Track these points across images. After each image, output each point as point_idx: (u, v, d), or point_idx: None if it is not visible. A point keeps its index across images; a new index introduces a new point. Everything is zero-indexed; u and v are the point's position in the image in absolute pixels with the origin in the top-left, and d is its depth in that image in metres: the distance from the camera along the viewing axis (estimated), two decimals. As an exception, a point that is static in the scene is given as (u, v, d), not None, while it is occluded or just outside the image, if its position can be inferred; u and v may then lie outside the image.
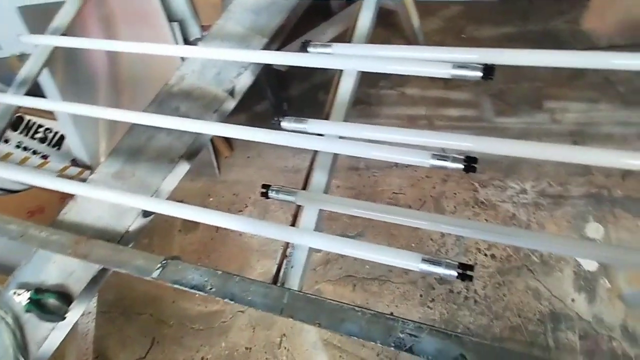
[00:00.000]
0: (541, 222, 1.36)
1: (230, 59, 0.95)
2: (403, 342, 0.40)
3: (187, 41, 1.53)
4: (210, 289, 0.47)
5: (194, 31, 1.52)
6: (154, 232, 1.79)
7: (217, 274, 0.48)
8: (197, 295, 1.66)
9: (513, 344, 1.22)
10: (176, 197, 1.83)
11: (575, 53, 0.67)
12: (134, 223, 0.92)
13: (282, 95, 1.79)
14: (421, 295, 1.36)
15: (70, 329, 0.91)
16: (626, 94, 1.51)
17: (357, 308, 0.42)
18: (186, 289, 0.48)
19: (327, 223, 1.57)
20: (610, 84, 1.54)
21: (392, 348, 0.39)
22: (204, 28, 1.51)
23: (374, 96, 1.76)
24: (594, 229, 1.30)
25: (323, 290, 1.46)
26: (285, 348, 1.40)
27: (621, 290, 1.22)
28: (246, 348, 1.45)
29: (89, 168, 1.92)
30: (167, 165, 0.96)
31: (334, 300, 0.43)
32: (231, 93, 1.02)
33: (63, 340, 0.88)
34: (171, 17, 1.48)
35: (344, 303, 0.43)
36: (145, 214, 0.94)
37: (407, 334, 0.40)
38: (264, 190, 0.72)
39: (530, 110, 1.57)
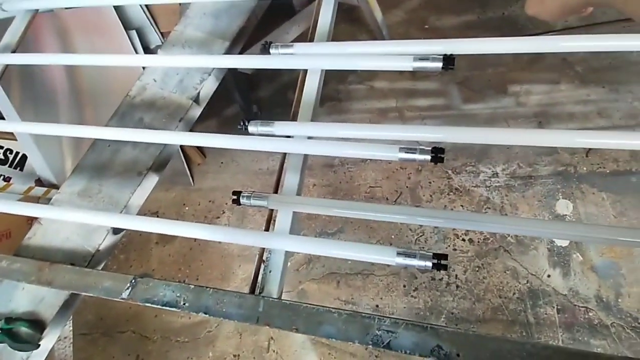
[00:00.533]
0: (514, 203, 1.40)
1: (191, 66, 0.92)
2: (380, 339, 0.40)
3: (147, 49, 1.48)
4: (184, 304, 0.46)
5: (154, 38, 1.47)
6: (131, 247, 1.74)
7: (190, 288, 0.46)
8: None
9: (495, 324, 1.26)
10: (151, 208, 1.78)
11: (528, 39, 0.68)
12: (104, 242, 0.89)
13: (251, 97, 1.76)
14: (404, 286, 1.37)
15: (47, 356, 0.88)
16: (584, 74, 1.57)
17: (333, 310, 0.42)
18: (158, 306, 0.47)
19: (306, 222, 1.57)
20: (568, 64, 1.60)
21: (371, 346, 0.39)
22: (163, 35, 1.47)
23: (344, 92, 1.76)
24: (563, 206, 1.35)
25: (307, 289, 1.46)
26: (273, 351, 1.39)
27: (593, 262, 1.27)
28: (234, 355, 1.43)
29: (56, 187, 1.84)
30: (134, 179, 0.93)
31: (309, 304, 0.43)
32: (196, 100, 0.99)
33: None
34: (128, 26, 1.43)
35: (320, 306, 0.43)
36: (116, 231, 0.91)
37: (383, 330, 0.40)
38: (235, 197, 0.71)
39: (495, 95, 1.61)
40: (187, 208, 1.73)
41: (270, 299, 0.44)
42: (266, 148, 0.72)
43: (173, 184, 1.79)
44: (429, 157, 0.64)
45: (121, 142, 0.96)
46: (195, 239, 1.64)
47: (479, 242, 1.37)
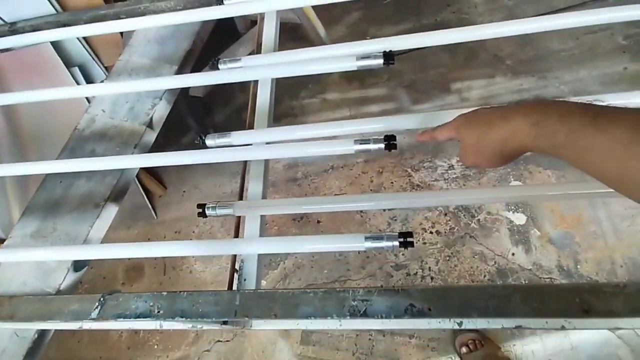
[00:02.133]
0: (471, 191, 1.47)
1: (140, 90, 0.92)
2: (357, 308, 0.41)
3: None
4: (158, 312, 0.45)
5: (98, 73, 1.45)
6: (95, 290, 1.64)
7: (162, 296, 0.46)
8: (155, 345, 1.53)
9: (473, 308, 1.30)
10: (114, 249, 1.70)
11: (454, 31, 0.75)
12: (65, 280, 0.84)
13: (206, 122, 1.76)
14: (382, 286, 1.39)
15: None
16: (514, 66, 1.71)
17: (308, 290, 0.43)
18: (132, 320, 0.45)
19: (273, 233, 1.56)
20: (499, 59, 1.74)
21: (349, 317, 0.40)
22: (107, 69, 1.45)
23: (297, 107, 1.81)
24: (515, 187, 1.44)
25: (287, 305, 1.43)
26: (261, 375, 1.35)
27: (550, 234, 1.35)
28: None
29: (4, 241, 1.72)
30: (92, 212, 0.89)
31: (284, 290, 0.44)
32: (149, 125, 0.98)
33: None
34: (69, 63, 1.40)
35: (295, 289, 0.43)
36: (77, 267, 0.86)
37: (359, 300, 0.41)
38: (200, 210, 0.71)
39: (440, 94, 1.72)
40: (152, 242, 1.67)
41: (246, 290, 0.44)
42: (226, 158, 0.72)
43: (135, 220, 1.73)
44: (382, 146, 0.68)
45: (74, 176, 0.92)
46: (164, 273, 1.58)
47: (445, 232, 1.42)
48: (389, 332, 1.32)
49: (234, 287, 0.70)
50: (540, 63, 1.69)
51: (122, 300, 0.46)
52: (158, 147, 0.96)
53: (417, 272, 1.38)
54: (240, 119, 1.78)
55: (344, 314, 0.41)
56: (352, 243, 0.61)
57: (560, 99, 0.39)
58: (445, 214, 1.46)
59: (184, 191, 1.75)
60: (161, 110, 1.02)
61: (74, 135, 1.00)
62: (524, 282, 1.30)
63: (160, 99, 1.01)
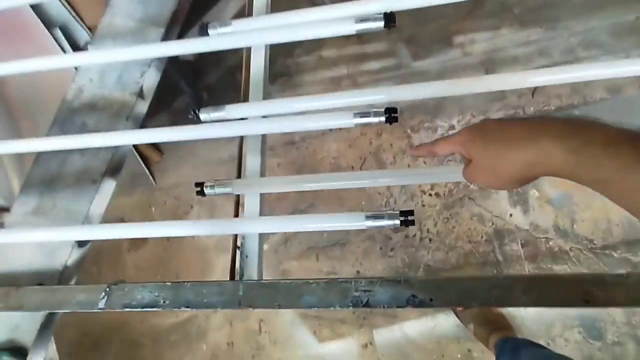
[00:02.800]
0: (472, 152, 1.46)
1: (127, 59, 0.87)
2: (359, 299, 0.41)
3: (76, 47, 1.38)
4: (164, 302, 0.46)
5: (81, 35, 1.37)
6: (102, 258, 1.68)
7: (167, 286, 0.46)
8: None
9: (468, 268, 1.34)
10: (115, 215, 1.72)
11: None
12: (70, 257, 0.85)
13: (198, 85, 1.70)
14: (381, 248, 1.42)
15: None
16: (522, 15, 1.61)
17: (311, 280, 0.43)
18: (139, 309, 0.46)
19: (276, 203, 1.57)
20: (506, 8, 1.64)
21: (351, 307, 0.41)
22: (91, 29, 1.37)
23: (293, 66, 1.73)
24: (516, 147, 1.42)
25: (289, 268, 1.48)
26: (265, 332, 1.42)
27: (548, 195, 1.36)
28: (228, 344, 1.45)
29: (7, 209, 1.73)
30: (89, 188, 0.88)
31: (287, 279, 0.44)
32: (140, 95, 0.94)
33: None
34: (50, 24, 1.32)
35: (298, 279, 0.44)
36: (81, 243, 0.87)
37: (361, 291, 0.41)
38: (198, 189, 0.70)
39: (442, 49, 1.64)
40: (153, 209, 1.68)
41: (249, 281, 0.44)
42: (221, 134, 0.70)
43: (134, 186, 1.73)
44: (383, 119, 0.65)
45: (67, 151, 0.90)
46: (168, 239, 1.61)
47: (444, 194, 1.43)
48: (388, 291, 1.37)
49: (237, 264, 0.72)
50: (549, 11, 1.60)
51: (128, 291, 0.46)
52: (150, 112, 0.93)
53: (415, 234, 1.41)
54: (234, 80, 1.72)
55: (346, 303, 0.42)
56: (353, 222, 0.61)
57: (594, 120, 0.34)
58: (445, 176, 1.46)
59: (180, 156, 1.73)
60: (151, 79, 0.97)
61: (63, 106, 0.97)
62: (520, 242, 1.32)
63: (149, 67, 0.96)
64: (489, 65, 1.56)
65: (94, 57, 0.86)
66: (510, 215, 1.36)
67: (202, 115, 0.73)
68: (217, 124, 0.71)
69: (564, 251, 1.29)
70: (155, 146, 1.72)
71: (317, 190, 1.52)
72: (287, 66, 1.74)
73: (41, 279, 0.83)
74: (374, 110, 0.66)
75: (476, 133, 0.43)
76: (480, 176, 0.44)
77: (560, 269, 1.27)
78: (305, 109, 0.70)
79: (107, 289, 0.46)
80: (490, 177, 0.42)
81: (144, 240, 1.65)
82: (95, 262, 1.70)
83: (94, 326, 1.63)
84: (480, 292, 0.39)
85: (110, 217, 1.70)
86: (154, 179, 1.71)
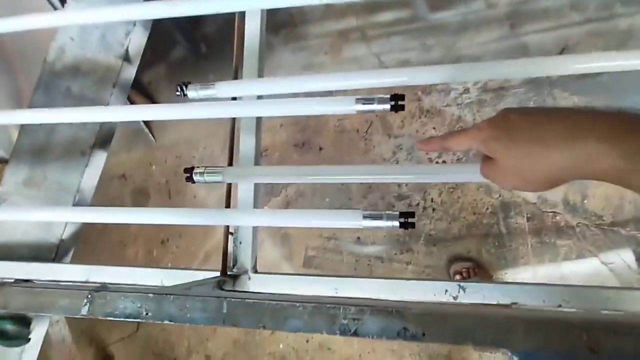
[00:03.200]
0: (486, 118, 1.37)
1: (106, 20, 0.78)
2: (347, 327, 0.39)
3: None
4: (146, 314, 0.44)
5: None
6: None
7: (150, 297, 0.44)
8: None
9: (470, 239, 1.32)
10: (116, 171, 1.70)
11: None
12: (65, 231, 0.85)
13: (195, 35, 1.58)
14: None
15: (45, 343, 0.89)
16: (556, -38, 1.43)
17: (297, 304, 0.41)
18: (121, 319, 0.45)
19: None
20: (539, -47, 1.45)
21: (338, 334, 0.39)
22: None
23: (297, 14, 1.59)
24: (533, 116, 1.33)
25: (290, 232, 1.48)
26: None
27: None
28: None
29: (6, 161, 1.72)
30: (80, 160, 0.85)
31: (272, 300, 0.41)
32: (126, 58, 0.87)
33: (39, 356, 0.87)
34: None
35: (284, 301, 0.41)
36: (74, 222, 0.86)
37: (350, 319, 0.39)
38: (187, 175, 0.66)
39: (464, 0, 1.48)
40: (154, 167, 1.66)
41: (233, 299, 0.42)
42: (211, 115, 0.65)
43: (134, 143, 1.69)
44: (388, 106, 0.59)
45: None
46: (169, 197, 1.61)
47: (452, 163, 1.37)
48: (387, 259, 1.38)
49: (229, 250, 0.70)
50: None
51: (110, 300, 0.45)
52: (145, 62, 0.87)
53: (419, 203, 1.38)
54: (233, 31, 1.59)
55: (333, 330, 0.40)
56: (349, 221, 0.57)
57: None
58: (454, 143, 1.39)
59: (180, 113, 1.67)
60: (137, 39, 0.89)
61: (46, 69, 0.90)
62: (526, 215, 1.29)
63: (134, 25, 0.88)
64: (515, 19, 1.41)
65: (68, 18, 0.76)
66: (519, 187, 1.31)
67: (190, 93, 0.67)
68: (206, 104, 0.65)
69: (569, 226, 1.26)
70: (153, 102, 1.65)
71: (320, 153, 1.47)
72: (292, 15, 1.60)
73: (38, 252, 0.84)
74: (379, 96, 0.59)
75: (500, 129, 0.38)
76: (504, 178, 0.39)
77: (564, 244, 1.25)
78: (305, 89, 0.64)
79: (89, 296, 0.44)
80: (517, 180, 0.38)
81: (145, 197, 1.65)
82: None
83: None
84: (476, 331, 0.36)
85: (111, 174, 1.69)
86: (154, 136, 1.66)
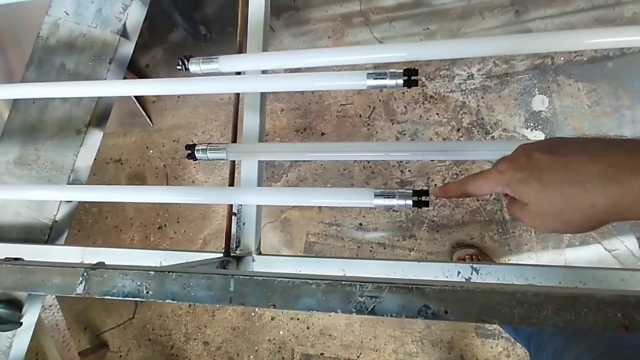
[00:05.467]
0: (490, 105, 1.35)
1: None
2: (364, 305, 0.37)
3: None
4: (147, 292, 0.41)
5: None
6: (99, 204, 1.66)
7: (150, 275, 0.42)
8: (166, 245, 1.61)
9: (474, 225, 1.31)
10: (113, 156, 1.67)
11: None
12: (59, 211, 0.81)
13: (196, 17, 1.53)
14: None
15: (37, 327, 0.86)
16: (564, -54, 1.39)
17: (310, 281, 0.38)
18: (119, 298, 0.42)
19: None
20: (547, -64, 1.41)
21: (354, 313, 0.37)
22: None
23: (300, -2, 1.55)
24: (539, 102, 1.31)
25: (290, 217, 1.45)
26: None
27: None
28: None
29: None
30: (74, 139, 0.82)
31: (284, 278, 0.39)
32: (123, 34, 0.83)
33: (31, 340, 0.84)
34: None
35: (295, 278, 0.39)
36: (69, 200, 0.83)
37: (367, 296, 0.37)
38: (189, 152, 0.63)
39: (469, -17, 1.44)
40: (151, 151, 1.62)
41: (241, 276, 0.40)
42: (214, 90, 0.61)
43: (130, 126, 1.65)
44: (401, 81, 0.56)
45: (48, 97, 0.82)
46: (167, 182, 1.57)
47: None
48: (389, 245, 1.36)
49: (233, 231, 0.67)
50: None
51: (107, 277, 0.42)
52: (143, 45, 0.83)
53: (422, 190, 1.35)
54: (234, 13, 1.54)
55: (349, 309, 0.37)
56: (360, 199, 0.55)
57: None
58: (458, 130, 1.37)
59: (178, 97, 1.63)
60: (135, 14, 0.85)
61: (38, 44, 0.86)
62: (530, 203, 1.27)
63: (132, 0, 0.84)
64: (520, 5, 1.39)
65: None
66: (523, 175, 1.29)
67: (192, 67, 0.63)
68: (210, 79, 0.62)
69: (574, 214, 1.25)
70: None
71: (321, 138, 1.44)
72: (293, -2, 1.56)
73: (30, 234, 0.81)
74: (391, 71, 0.56)
75: (526, 170, 0.34)
76: (542, 223, 0.35)
77: (567, 232, 1.24)
78: (312, 64, 0.60)
79: (85, 274, 0.42)
80: (556, 224, 0.34)
81: (143, 180, 1.61)
82: (96, 202, 1.68)
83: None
84: (503, 309, 0.34)
85: (107, 157, 1.65)
86: (151, 120, 1.62)
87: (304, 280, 0.39)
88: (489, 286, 0.37)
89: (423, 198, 0.53)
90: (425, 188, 0.51)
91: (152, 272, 0.42)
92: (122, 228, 1.61)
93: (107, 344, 1.57)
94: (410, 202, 0.53)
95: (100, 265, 0.45)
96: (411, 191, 0.53)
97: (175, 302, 0.41)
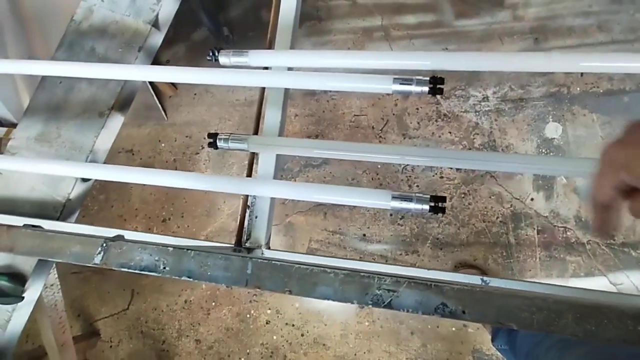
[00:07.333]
0: (503, 128, 1.36)
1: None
2: (381, 298, 0.37)
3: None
4: (164, 268, 0.42)
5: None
6: (109, 186, 1.67)
7: (169, 251, 0.42)
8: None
9: (478, 247, 1.30)
10: (125, 146, 1.68)
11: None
12: (73, 190, 0.82)
13: (220, 18, 1.57)
14: (391, 215, 1.38)
15: (36, 305, 0.86)
16: (587, -19, 1.43)
17: (328, 270, 0.39)
18: (136, 271, 0.42)
19: (288, 155, 1.51)
20: (571, -30, 1.45)
21: (371, 305, 0.37)
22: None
23: (324, 9, 1.58)
24: (552, 129, 1.32)
25: (294, 222, 1.46)
26: (266, 282, 1.43)
27: (576, 184, 1.28)
28: (227, 286, 1.48)
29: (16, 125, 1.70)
30: (96, 121, 0.83)
31: (302, 264, 0.39)
32: (155, 24, 0.85)
33: (30, 317, 0.84)
34: None
35: (314, 266, 0.39)
36: (85, 179, 0.84)
37: (384, 289, 0.37)
38: (211, 141, 0.64)
39: (491, 9, 1.47)
40: (163, 145, 1.63)
41: (259, 259, 0.40)
42: (241, 82, 0.63)
43: (145, 118, 1.67)
44: (426, 89, 0.57)
45: (74, 78, 0.84)
46: (175, 177, 1.58)
47: (465, 169, 1.35)
48: (391, 258, 1.36)
49: (245, 224, 0.68)
50: (618, -21, 1.41)
51: (126, 250, 0.42)
52: (166, 40, 0.85)
53: (429, 206, 1.36)
54: (258, 18, 1.58)
55: (365, 301, 0.38)
56: (377, 200, 0.55)
57: None
58: (469, 149, 1.38)
59: (195, 94, 1.65)
60: (168, 7, 0.87)
61: (71, 28, 0.88)
62: (536, 228, 1.27)
63: (167, -8, 0.86)
64: (540, 34, 1.41)
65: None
66: (532, 199, 1.30)
67: (222, 59, 0.65)
68: (238, 71, 0.63)
69: (580, 243, 1.24)
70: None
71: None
72: (318, 9, 1.59)
73: (42, 210, 0.81)
74: (417, 78, 0.57)
75: None
76: None
77: (573, 260, 1.23)
78: (338, 65, 0.62)
79: (104, 245, 0.42)
80: None
81: (151, 176, 1.62)
82: (103, 189, 1.69)
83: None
84: (522, 313, 0.34)
85: (119, 147, 1.66)
86: (166, 114, 1.64)
87: (322, 269, 0.39)
88: (509, 290, 0.37)
89: (440, 204, 0.53)
90: (443, 195, 0.52)
91: (171, 249, 0.43)
92: (127, 218, 1.62)
93: (99, 333, 1.56)
94: (427, 207, 0.53)
95: (119, 238, 0.45)
96: (429, 196, 0.54)
97: (191, 279, 0.41)
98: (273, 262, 0.40)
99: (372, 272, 0.38)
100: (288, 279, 0.40)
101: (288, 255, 0.65)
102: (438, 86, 0.57)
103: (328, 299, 0.38)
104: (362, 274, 0.38)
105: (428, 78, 0.57)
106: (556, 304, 0.34)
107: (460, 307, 0.35)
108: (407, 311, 0.37)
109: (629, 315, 0.33)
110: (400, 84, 0.58)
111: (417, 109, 1.45)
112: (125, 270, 0.43)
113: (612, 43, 1.35)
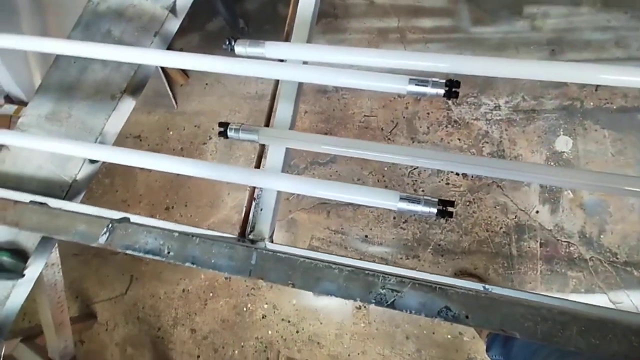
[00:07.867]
0: (513, 138, 1.35)
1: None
2: (384, 297, 0.37)
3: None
4: (168, 253, 0.42)
5: None
6: (115, 171, 1.68)
7: (174, 236, 0.42)
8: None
9: (479, 255, 1.30)
10: (133, 131, 1.69)
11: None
12: (81, 171, 0.82)
13: (236, 10, 1.57)
14: (394, 218, 1.38)
15: (36, 283, 0.87)
16: (608, -5, 1.41)
17: (333, 265, 0.38)
18: (140, 254, 0.42)
19: (295, 151, 1.51)
20: (592, -16, 1.43)
21: (373, 304, 0.37)
22: None
23: (340, 7, 1.58)
24: (562, 143, 1.31)
25: (297, 218, 1.45)
26: (264, 276, 1.43)
27: (583, 199, 1.27)
28: (226, 278, 1.48)
29: (26, 104, 1.71)
30: (108, 103, 0.83)
31: (307, 258, 0.39)
32: (172, 10, 0.85)
33: (29, 295, 0.84)
34: None
35: (319, 260, 0.39)
36: (93, 160, 0.84)
37: (388, 289, 0.37)
38: (221, 129, 0.64)
39: (509, 17, 1.46)
40: (171, 133, 1.64)
41: (264, 250, 0.40)
42: (256, 73, 0.63)
43: (155, 106, 1.67)
44: (442, 91, 0.57)
45: (88, 58, 0.84)
46: (181, 165, 1.58)
47: (472, 177, 1.35)
48: (392, 261, 1.35)
49: (250, 215, 0.67)
50: (640, -4, 1.39)
51: (131, 232, 0.42)
52: (180, 29, 0.85)
53: (433, 212, 1.35)
54: (275, 12, 1.58)
55: (369, 299, 0.37)
56: (385, 200, 0.55)
57: None
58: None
59: (206, 84, 1.65)
60: (187, -6, 0.87)
61: (88, 8, 0.88)
62: (539, 240, 1.26)
63: (187, -21, 0.86)
64: (557, 46, 1.40)
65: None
66: (537, 211, 1.29)
67: (238, 48, 0.65)
68: (253, 61, 0.63)
69: (582, 259, 1.23)
70: (182, 69, 1.64)
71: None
72: (335, 6, 1.59)
73: (48, 188, 0.82)
74: (433, 80, 0.57)
75: None
76: None
77: (574, 275, 1.22)
78: (354, 62, 0.61)
79: (110, 225, 0.42)
80: None
81: (157, 163, 1.62)
82: (109, 173, 1.70)
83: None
84: (526, 322, 0.34)
85: (127, 132, 1.67)
86: (176, 102, 1.64)
87: (327, 264, 0.39)
88: (514, 298, 0.37)
89: (448, 208, 0.53)
90: (452, 200, 0.51)
91: (176, 234, 0.43)
92: (130, 203, 1.62)
93: (96, 316, 1.57)
94: (434, 210, 0.53)
95: (125, 220, 0.45)
96: (437, 199, 0.53)
97: (195, 266, 0.41)
98: (278, 254, 0.40)
99: (377, 271, 0.38)
100: (292, 271, 0.39)
101: (291, 250, 0.65)
102: (454, 90, 0.56)
103: (331, 295, 0.38)
104: (367, 272, 0.38)
105: (444, 81, 0.57)
106: (561, 315, 0.33)
107: (463, 312, 0.35)
108: (410, 312, 0.36)
109: (633, 332, 0.32)
110: (416, 84, 0.57)
111: (428, 113, 1.44)
112: (130, 252, 0.43)
113: (629, 59, 1.34)
